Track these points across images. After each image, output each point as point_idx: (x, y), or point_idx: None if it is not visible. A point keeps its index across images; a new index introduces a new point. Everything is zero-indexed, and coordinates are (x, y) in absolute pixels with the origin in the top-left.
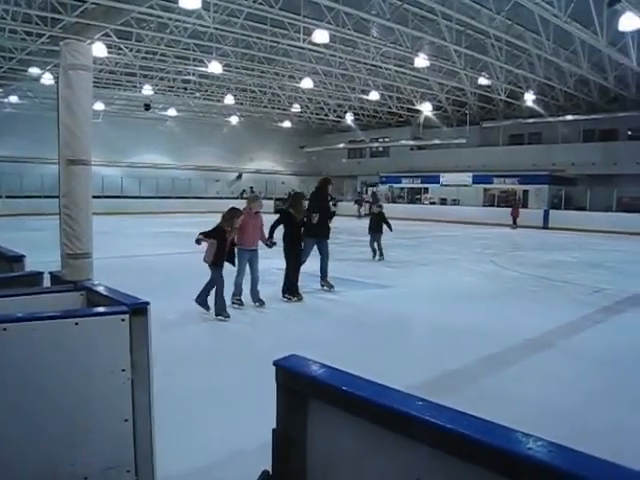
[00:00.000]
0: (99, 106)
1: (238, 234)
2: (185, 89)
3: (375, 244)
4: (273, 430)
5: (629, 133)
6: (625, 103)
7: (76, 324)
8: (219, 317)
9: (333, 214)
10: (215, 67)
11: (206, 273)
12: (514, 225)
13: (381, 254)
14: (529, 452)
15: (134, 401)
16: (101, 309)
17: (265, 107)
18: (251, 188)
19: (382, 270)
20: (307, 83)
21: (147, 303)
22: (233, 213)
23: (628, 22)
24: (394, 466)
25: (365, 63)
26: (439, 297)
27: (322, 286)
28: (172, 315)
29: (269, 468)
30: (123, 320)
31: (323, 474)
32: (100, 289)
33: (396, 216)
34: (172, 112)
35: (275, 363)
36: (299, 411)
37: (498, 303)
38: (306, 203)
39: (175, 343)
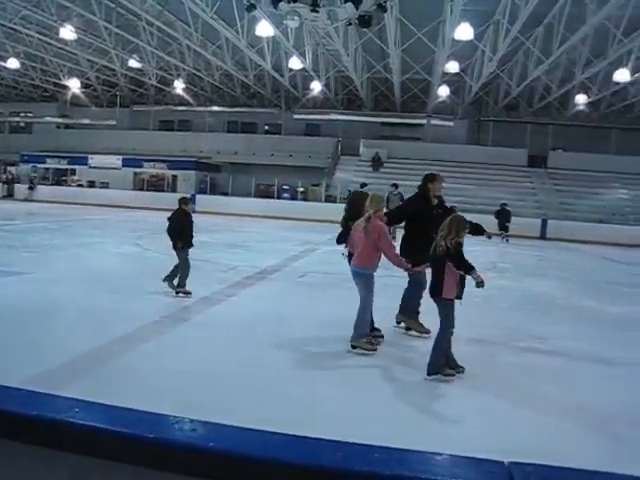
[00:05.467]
0: None
1: (375, 250)
2: None
3: None
4: None
5: (266, 127)
6: (263, 101)
7: None
8: (440, 374)
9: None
10: None
11: None
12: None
13: None
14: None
15: None
16: None
17: None
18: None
19: (20, 256)
20: None
21: None
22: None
23: (263, 29)
24: None
25: (2, 25)
26: (77, 280)
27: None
28: None
29: None
30: None
31: None
32: None
33: (40, 199)
34: None
35: None
36: None
37: (136, 282)
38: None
39: None
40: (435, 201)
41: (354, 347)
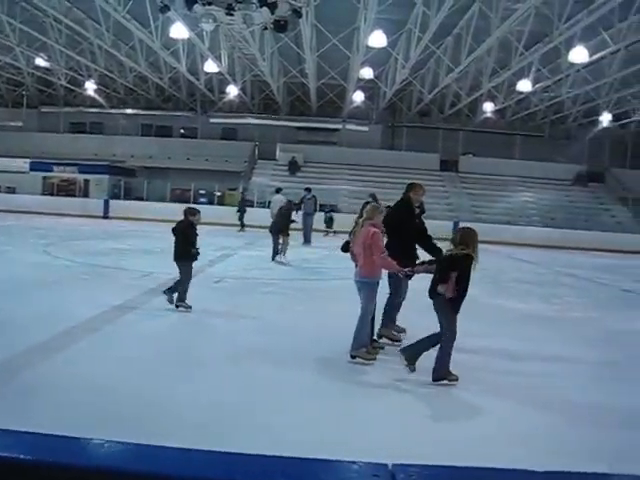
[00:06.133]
0: None
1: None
2: None
3: None
4: None
5: (181, 131)
6: (178, 104)
7: None
8: (445, 380)
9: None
10: None
11: None
12: None
13: None
14: None
15: None
16: None
17: None
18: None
19: None
20: None
21: None
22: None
23: (178, 31)
24: None
25: None
26: None
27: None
28: None
29: None
30: None
31: None
32: None
33: None
34: None
35: None
36: None
37: (45, 292)
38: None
39: None
40: (417, 210)
41: (353, 357)
